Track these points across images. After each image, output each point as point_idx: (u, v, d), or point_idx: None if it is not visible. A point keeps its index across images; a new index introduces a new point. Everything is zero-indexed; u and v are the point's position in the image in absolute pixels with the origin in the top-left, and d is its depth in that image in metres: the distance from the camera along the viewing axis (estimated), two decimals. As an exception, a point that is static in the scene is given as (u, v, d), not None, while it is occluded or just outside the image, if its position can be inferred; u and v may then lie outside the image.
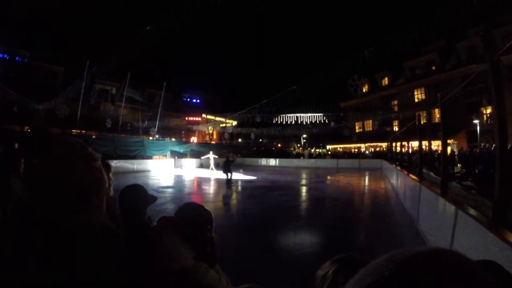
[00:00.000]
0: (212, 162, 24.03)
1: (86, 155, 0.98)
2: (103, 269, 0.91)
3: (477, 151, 18.91)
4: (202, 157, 25.88)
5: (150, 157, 27.10)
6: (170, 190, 13.78)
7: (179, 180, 18.53)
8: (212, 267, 1.52)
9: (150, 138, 31.05)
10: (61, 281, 0.82)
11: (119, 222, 1.89)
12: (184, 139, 39.62)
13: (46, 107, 24.04)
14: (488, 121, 25.81)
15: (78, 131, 24.20)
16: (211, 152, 24.30)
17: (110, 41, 49.53)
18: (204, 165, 30.64)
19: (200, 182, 17.69)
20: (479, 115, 25.31)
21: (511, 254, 2.29)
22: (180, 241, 1.43)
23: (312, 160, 33.79)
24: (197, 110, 44.27)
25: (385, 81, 41.05)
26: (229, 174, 15.14)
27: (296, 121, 31.08)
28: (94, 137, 24.42)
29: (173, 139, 35.91)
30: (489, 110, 25.95)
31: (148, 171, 24.30)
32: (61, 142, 0.97)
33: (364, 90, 43.18)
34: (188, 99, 46.96)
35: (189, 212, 1.57)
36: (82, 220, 0.94)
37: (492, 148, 16.90)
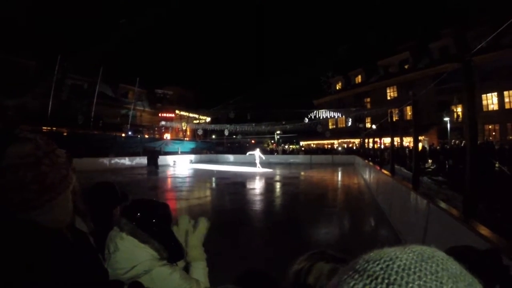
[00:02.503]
0: (257, 159, 23.44)
1: (51, 151, 0.93)
2: (72, 272, 0.86)
3: (448, 147, 19.54)
4: (249, 153, 25.35)
5: (124, 154, 26.47)
6: (144, 188, 13.56)
7: (153, 178, 18.27)
8: (176, 261, 1.49)
9: (123, 135, 30.42)
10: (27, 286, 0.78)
11: (88, 221, 1.81)
12: (157, 135, 38.99)
13: (16, 103, 23.06)
14: (459, 119, 26.75)
15: (49, 128, 23.33)
16: (257, 150, 24.12)
17: (84, 34, 48.10)
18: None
19: (173, 179, 17.48)
20: (450, 113, 26.18)
21: (483, 245, 2.35)
22: (139, 244, 1.36)
23: (286, 156, 34.09)
24: (170, 106, 43.59)
25: (359, 78, 41.78)
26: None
27: (270, 117, 31.28)
28: (65, 134, 23.67)
29: (146, 136, 35.32)
30: (459, 108, 26.95)
31: (124, 168, 23.76)
32: (25, 139, 0.91)
33: (337, 87, 43.96)
34: (162, 95, 46.10)
35: (140, 210, 1.43)
36: (48, 221, 0.88)
37: (462, 144, 17.51)
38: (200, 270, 1.56)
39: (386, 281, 0.34)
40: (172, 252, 1.45)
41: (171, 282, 1.35)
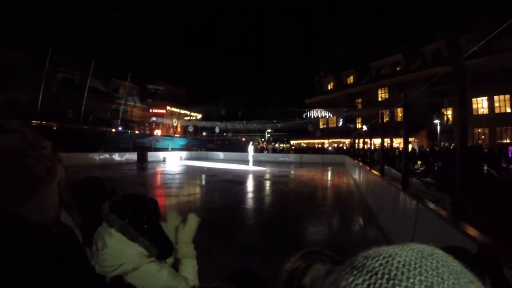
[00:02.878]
0: (250, 155, 24.19)
1: (36, 143, 0.90)
2: (58, 269, 0.84)
3: (437, 149, 19.78)
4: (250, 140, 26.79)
5: (115, 150, 26.19)
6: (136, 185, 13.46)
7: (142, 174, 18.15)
8: (165, 258, 1.47)
9: (113, 130, 30.12)
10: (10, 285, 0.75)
11: (74, 215, 1.77)
12: (148, 131, 38.65)
13: (6, 96, 22.67)
14: (448, 122, 27.06)
15: (39, 122, 22.95)
16: (252, 147, 25.15)
17: (76, 27, 47.51)
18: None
19: (163, 176, 17.39)
20: (440, 115, 26.45)
21: (470, 246, 2.37)
22: (128, 242, 1.33)
23: (276, 155, 34.13)
24: (162, 102, 43.23)
25: (351, 79, 41.98)
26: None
27: (261, 116, 31.35)
28: (55, 128, 23.34)
29: (137, 131, 35.01)
30: (449, 111, 27.33)
31: (114, 164, 23.52)
32: (9, 130, 0.88)
33: (329, 87, 44.19)
34: (153, 90, 45.62)
35: (130, 206, 1.39)
36: (34, 215, 0.86)
37: (451, 147, 17.73)
38: (190, 268, 1.54)
39: (386, 276, 0.33)
40: (162, 248, 1.43)
41: (159, 279, 1.33)
